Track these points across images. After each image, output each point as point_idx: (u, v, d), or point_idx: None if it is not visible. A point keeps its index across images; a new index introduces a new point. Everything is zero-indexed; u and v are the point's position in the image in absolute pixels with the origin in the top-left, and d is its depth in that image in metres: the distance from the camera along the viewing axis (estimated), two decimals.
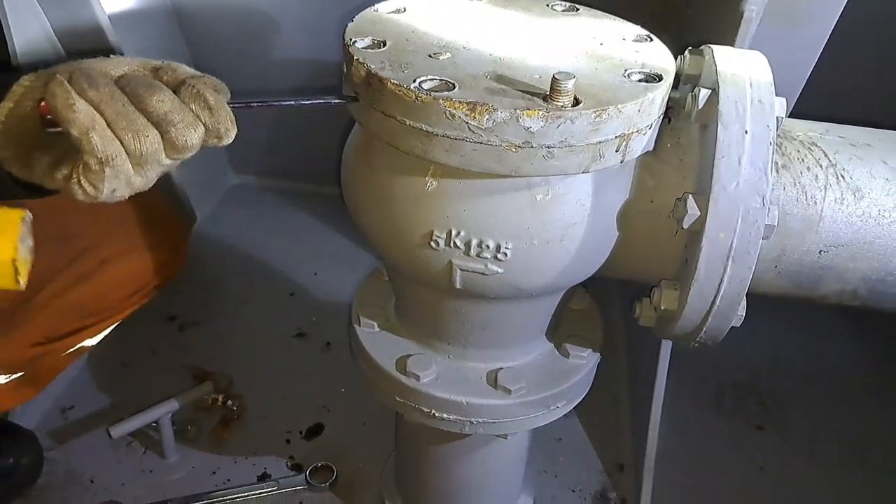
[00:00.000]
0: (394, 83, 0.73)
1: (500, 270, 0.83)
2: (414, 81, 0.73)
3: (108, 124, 0.67)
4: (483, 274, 0.84)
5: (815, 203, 0.85)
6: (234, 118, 0.72)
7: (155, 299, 1.41)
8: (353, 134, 0.92)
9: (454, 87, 0.73)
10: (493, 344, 1.01)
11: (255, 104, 0.76)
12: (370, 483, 1.43)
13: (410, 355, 1.01)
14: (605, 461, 1.55)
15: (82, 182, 0.68)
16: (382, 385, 1.02)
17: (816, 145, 0.87)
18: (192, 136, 0.69)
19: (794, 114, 1.01)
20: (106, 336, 1.36)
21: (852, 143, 0.88)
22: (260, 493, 1.43)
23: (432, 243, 0.82)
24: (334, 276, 1.98)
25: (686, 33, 1.38)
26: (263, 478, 1.46)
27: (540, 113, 0.71)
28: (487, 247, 0.81)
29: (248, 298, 1.93)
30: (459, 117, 0.72)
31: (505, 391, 0.98)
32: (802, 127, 0.89)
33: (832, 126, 0.91)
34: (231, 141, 0.72)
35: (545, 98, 0.73)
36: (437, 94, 0.72)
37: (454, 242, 0.81)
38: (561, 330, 1.09)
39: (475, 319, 0.96)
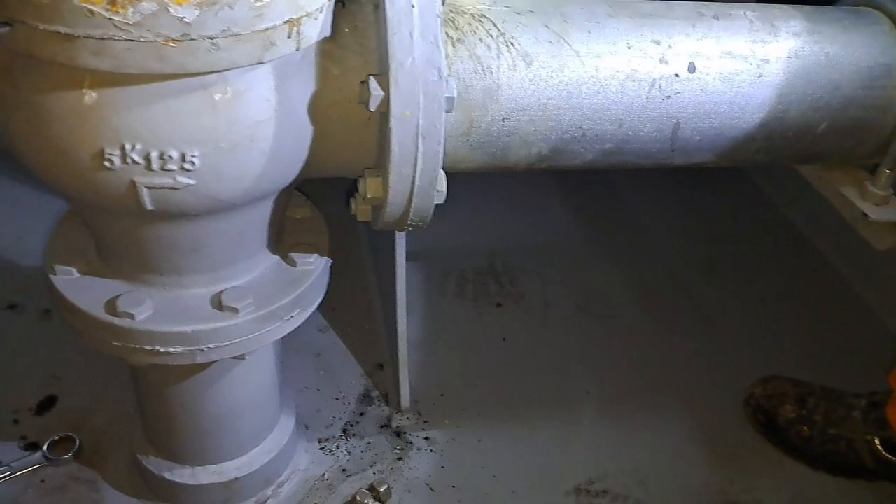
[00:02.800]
0: None
1: (191, 182, 0.78)
2: None
3: None
4: (173, 188, 0.78)
5: (492, 73, 0.89)
6: None
7: None
8: None
9: None
10: (211, 266, 0.96)
11: None
12: (119, 444, 1.33)
13: (120, 295, 0.93)
14: (366, 364, 1.59)
15: None
16: (94, 333, 0.94)
17: (486, 17, 0.91)
18: None
19: None
20: None
21: (517, 11, 0.93)
22: None
23: (106, 163, 0.74)
24: (42, 237, 1.75)
25: None
26: None
27: (192, 1, 0.66)
28: (171, 157, 0.75)
29: None
30: (100, 13, 0.64)
31: (232, 311, 0.95)
32: (472, 1, 0.93)
33: None
34: None
35: None
36: None
37: (131, 158, 0.74)
38: (285, 240, 1.06)
39: (183, 243, 0.90)
